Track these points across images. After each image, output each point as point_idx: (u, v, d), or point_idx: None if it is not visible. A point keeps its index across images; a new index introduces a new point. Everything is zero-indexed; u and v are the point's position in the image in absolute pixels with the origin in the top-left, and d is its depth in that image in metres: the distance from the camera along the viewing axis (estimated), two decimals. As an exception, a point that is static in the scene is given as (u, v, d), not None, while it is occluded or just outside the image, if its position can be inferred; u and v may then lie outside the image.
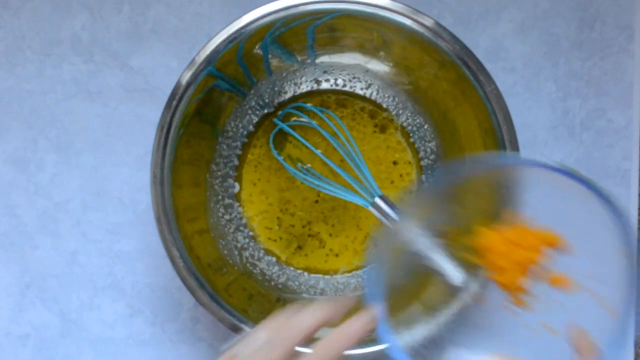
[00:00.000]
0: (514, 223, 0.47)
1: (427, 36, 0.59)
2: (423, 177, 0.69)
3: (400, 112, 0.68)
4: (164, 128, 0.59)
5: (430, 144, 0.68)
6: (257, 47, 0.62)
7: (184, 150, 0.62)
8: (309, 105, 0.68)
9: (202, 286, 0.59)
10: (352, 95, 0.68)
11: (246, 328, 0.59)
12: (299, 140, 0.67)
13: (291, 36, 0.62)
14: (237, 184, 0.68)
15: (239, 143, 0.68)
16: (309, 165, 0.68)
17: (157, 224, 0.59)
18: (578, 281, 0.47)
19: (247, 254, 0.68)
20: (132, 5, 0.69)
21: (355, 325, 0.46)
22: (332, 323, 0.48)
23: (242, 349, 0.47)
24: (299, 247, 0.68)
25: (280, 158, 0.67)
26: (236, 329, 0.59)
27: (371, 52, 0.66)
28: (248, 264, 0.67)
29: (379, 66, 0.67)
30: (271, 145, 0.67)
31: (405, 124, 0.69)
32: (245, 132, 0.68)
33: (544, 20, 0.69)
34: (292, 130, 0.67)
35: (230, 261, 0.66)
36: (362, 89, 0.68)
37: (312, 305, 0.48)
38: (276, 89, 0.68)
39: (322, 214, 0.68)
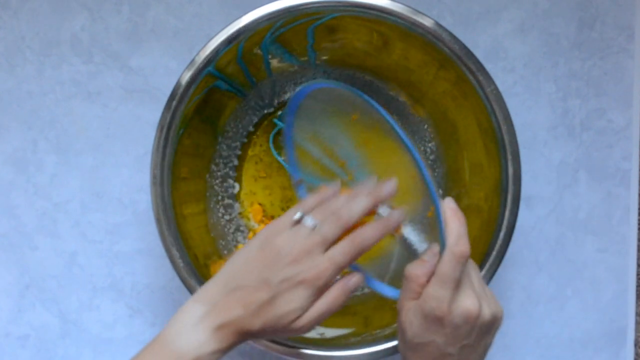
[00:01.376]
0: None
1: (427, 36, 0.59)
2: (423, 177, 0.69)
3: (401, 112, 0.68)
4: (164, 128, 0.59)
5: (430, 144, 0.68)
6: (257, 47, 0.62)
7: (184, 151, 0.62)
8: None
9: (202, 286, 0.59)
10: (352, 95, 0.68)
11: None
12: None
13: (291, 36, 0.62)
14: (237, 184, 0.68)
15: (238, 143, 0.68)
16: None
17: (157, 224, 0.59)
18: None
19: (247, 254, 0.68)
20: (131, 6, 0.69)
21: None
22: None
23: (285, 241, 0.49)
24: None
25: (281, 159, 0.67)
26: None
27: (371, 52, 0.65)
28: (248, 265, 0.67)
29: (378, 66, 0.67)
30: (271, 146, 0.67)
31: (405, 124, 0.69)
32: (245, 132, 0.68)
33: (544, 20, 0.69)
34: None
35: (230, 261, 0.66)
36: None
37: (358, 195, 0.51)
38: (276, 89, 0.68)
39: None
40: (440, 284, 0.47)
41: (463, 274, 0.48)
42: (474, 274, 0.49)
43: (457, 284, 0.47)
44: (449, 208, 0.49)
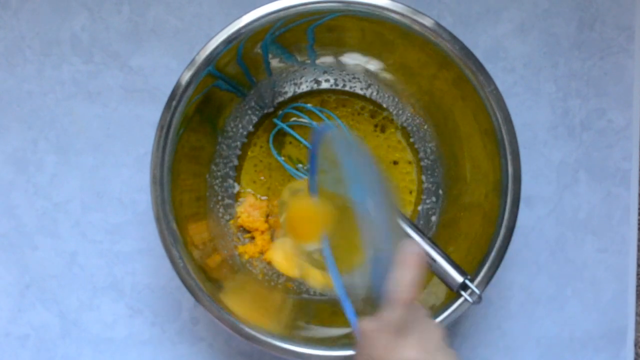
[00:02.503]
0: None
1: (427, 36, 0.59)
2: (423, 177, 0.69)
3: (400, 112, 0.68)
4: (164, 128, 0.59)
5: (430, 144, 0.68)
6: (257, 47, 0.62)
7: (184, 151, 0.62)
8: (309, 105, 0.68)
9: (202, 286, 0.59)
10: (352, 95, 0.68)
11: (245, 328, 0.58)
12: (298, 141, 0.67)
13: (291, 36, 0.62)
14: (236, 184, 0.68)
15: (238, 143, 0.68)
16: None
17: (157, 224, 0.59)
18: None
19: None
20: (131, 6, 0.69)
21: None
22: None
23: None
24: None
25: (281, 159, 0.67)
26: (236, 329, 0.59)
27: (371, 52, 0.66)
28: (248, 264, 0.67)
29: (379, 66, 0.67)
30: (271, 146, 0.67)
31: (405, 124, 0.69)
32: (245, 133, 0.68)
33: (544, 20, 0.69)
34: (291, 130, 0.67)
35: (230, 261, 0.66)
36: (362, 89, 0.68)
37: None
38: (276, 89, 0.68)
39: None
40: (380, 331, 0.46)
41: (410, 323, 0.47)
42: (429, 329, 0.48)
43: (401, 332, 0.46)
44: (410, 253, 0.48)
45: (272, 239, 0.68)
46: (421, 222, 0.68)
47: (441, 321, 0.59)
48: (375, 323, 0.47)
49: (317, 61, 0.67)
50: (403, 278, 0.47)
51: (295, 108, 0.68)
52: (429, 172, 0.68)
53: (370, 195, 0.48)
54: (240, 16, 0.58)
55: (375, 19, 0.59)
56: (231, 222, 0.68)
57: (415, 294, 0.47)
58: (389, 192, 0.54)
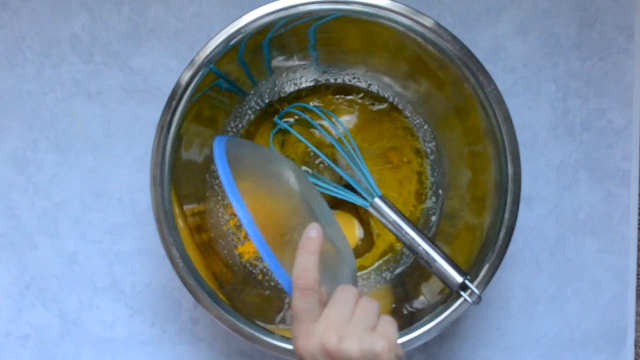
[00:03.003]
0: None
1: (427, 36, 0.59)
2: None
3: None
4: (164, 128, 0.59)
5: (430, 144, 0.68)
6: (258, 46, 0.62)
7: (184, 150, 0.62)
8: (309, 105, 0.68)
9: (202, 286, 0.59)
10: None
11: (245, 328, 0.58)
12: (298, 141, 0.67)
13: (292, 36, 0.62)
14: (237, 184, 0.68)
15: (238, 143, 0.68)
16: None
17: (157, 224, 0.59)
18: None
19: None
20: (132, 6, 0.69)
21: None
22: None
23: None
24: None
25: (280, 158, 0.67)
26: (236, 329, 0.59)
27: (371, 52, 0.65)
28: (248, 264, 0.67)
29: (379, 66, 0.67)
30: (271, 145, 0.67)
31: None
32: (245, 132, 0.68)
33: (544, 20, 0.69)
34: (292, 129, 0.67)
35: (230, 261, 0.66)
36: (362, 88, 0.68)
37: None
38: (276, 89, 0.68)
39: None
40: (293, 318, 0.46)
41: (326, 306, 0.46)
42: (358, 310, 0.46)
43: (312, 317, 0.45)
44: (306, 236, 0.47)
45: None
46: (421, 222, 0.68)
47: (441, 321, 0.59)
48: (290, 312, 0.47)
49: (318, 61, 0.67)
50: (298, 264, 0.47)
51: (296, 107, 0.68)
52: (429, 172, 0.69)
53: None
54: (240, 16, 0.58)
55: (376, 19, 0.59)
56: (231, 222, 0.68)
57: (311, 278, 0.46)
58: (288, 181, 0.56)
